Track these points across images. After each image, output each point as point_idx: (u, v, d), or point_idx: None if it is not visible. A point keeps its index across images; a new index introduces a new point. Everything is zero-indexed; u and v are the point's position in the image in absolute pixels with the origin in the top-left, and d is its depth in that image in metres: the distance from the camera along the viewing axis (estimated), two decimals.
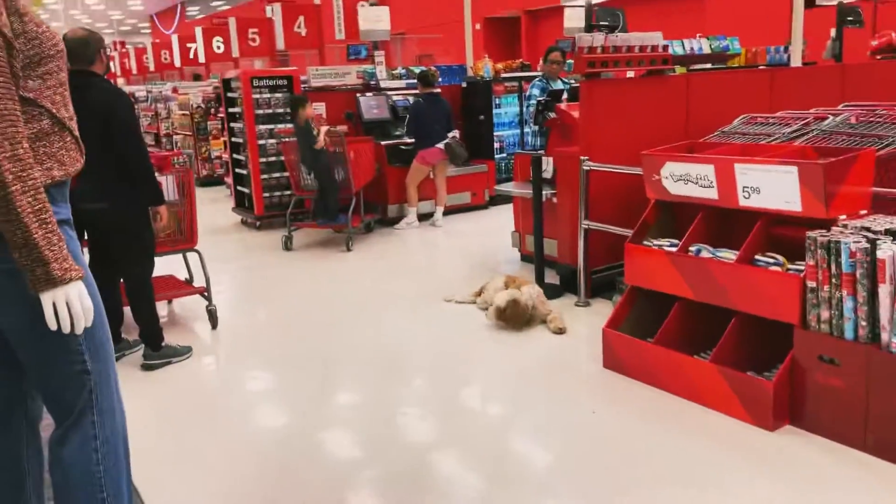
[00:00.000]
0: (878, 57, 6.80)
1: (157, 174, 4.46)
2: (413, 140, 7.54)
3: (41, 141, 1.67)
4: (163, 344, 4.17)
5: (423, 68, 8.07)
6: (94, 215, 3.80)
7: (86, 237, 4.07)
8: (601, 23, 5.25)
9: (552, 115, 5.38)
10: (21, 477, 1.93)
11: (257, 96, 7.79)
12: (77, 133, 1.77)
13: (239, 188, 8.46)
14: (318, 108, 8.08)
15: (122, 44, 28.98)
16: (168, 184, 4.50)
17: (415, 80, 8.18)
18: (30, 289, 1.60)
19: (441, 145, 7.44)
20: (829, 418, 3.01)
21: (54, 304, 1.60)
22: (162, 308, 5.19)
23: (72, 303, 1.62)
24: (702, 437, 3.12)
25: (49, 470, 1.86)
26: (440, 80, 8.76)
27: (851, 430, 2.92)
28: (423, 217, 7.90)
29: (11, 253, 1.57)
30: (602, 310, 4.71)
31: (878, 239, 2.82)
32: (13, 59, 1.58)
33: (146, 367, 4.11)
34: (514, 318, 4.45)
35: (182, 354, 4.24)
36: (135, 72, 21.85)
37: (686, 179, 3.60)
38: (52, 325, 1.62)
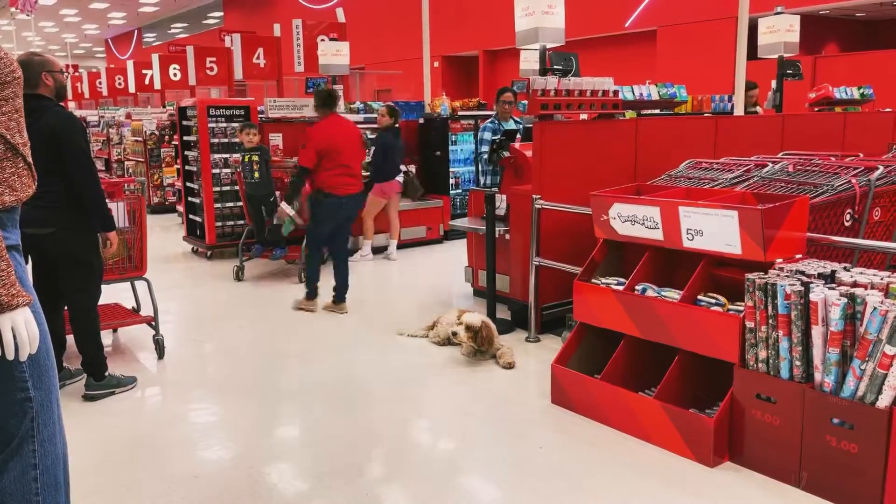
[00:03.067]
0: (816, 109, 7.15)
1: (108, 200, 4.40)
2: (373, 173, 7.59)
3: None
4: (106, 374, 4.08)
5: (387, 104, 8.17)
6: (39, 240, 3.72)
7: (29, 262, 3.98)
8: (555, 66, 5.41)
9: (506, 153, 5.49)
10: None
11: (213, 125, 7.76)
12: (30, 159, 1.77)
13: (191, 217, 8.36)
14: (275, 139, 8.10)
15: (76, 67, 28.51)
16: (119, 211, 4.45)
17: (373, 115, 8.27)
18: None
19: (399, 178, 7.54)
20: (766, 455, 3.10)
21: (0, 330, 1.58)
22: (107, 337, 5.09)
23: (18, 329, 1.60)
24: (645, 472, 3.18)
25: None
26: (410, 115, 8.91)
27: (787, 468, 3.02)
28: (377, 250, 7.93)
29: None
30: (552, 345, 4.79)
31: (811, 282, 2.95)
32: None
33: (88, 398, 4.01)
34: (488, 339, 4.49)
35: (125, 385, 4.14)
36: (87, 96, 21.49)
37: (633, 220, 3.72)
38: None
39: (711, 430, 3.17)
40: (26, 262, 3.83)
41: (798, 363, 2.96)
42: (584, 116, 5.74)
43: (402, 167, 7.68)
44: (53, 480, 1.78)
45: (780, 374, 3.02)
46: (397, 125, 7.67)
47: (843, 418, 2.82)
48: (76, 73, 24.86)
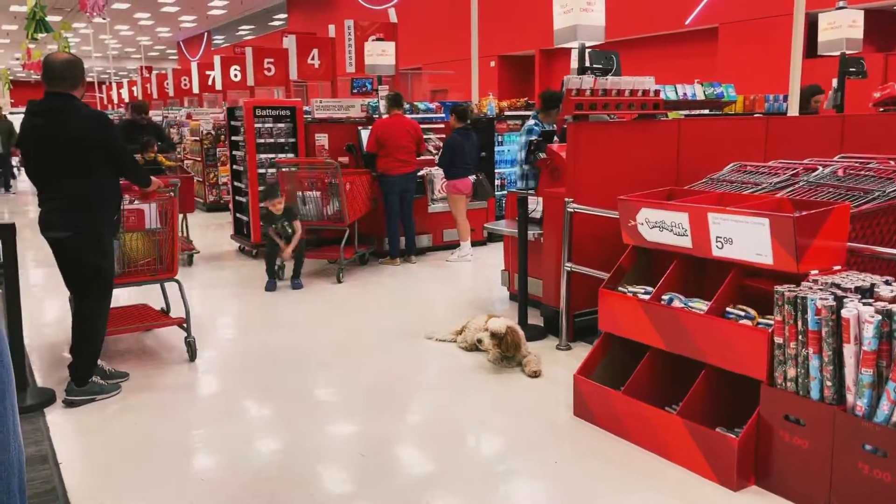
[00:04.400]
0: (881, 109, 6.73)
1: (140, 202, 4.48)
2: (444, 171, 7.62)
3: None
4: (90, 380, 4.03)
5: (456, 104, 8.13)
6: (58, 243, 3.81)
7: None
8: (594, 65, 5.23)
9: (543, 155, 5.35)
10: None
11: (259, 126, 7.85)
12: None
13: (238, 215, 8.49)
14: (321, 140, 8.14)
15: (149, 69, 29.53)
16: (151, 212, 4.50)
17: (422, 115, 8.25)
18: None
19: (471, 178, 7.52)
20: (793, 481, 2.90)
21: None
22: (134, 339, 5.18)
23: None
24: (664, 493, 3.02)
25: None
26: (444, 115, 8.83)
27: (815, 495, 2.81)
28: (421, 252, 7.89)
29: None
30: (583, 354, 4.58)
31: (846, 297, 2.73)
32: None
33: (67, 403, 3.95)
34: (514, 345, 4.38)
35: (108, 392, 4.09)
36: (155, 96, 22.21)
37: (661, 226, 3.54)
38: None
39: (736, 451, 2.98)
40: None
41: (829, 383, 2.74)
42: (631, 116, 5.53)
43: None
44: (6, 488, 1.76)
45: (810, 394, 2.81)
46: (468, 125, 7.61)
47: (876, 445, 2.60)
48: (147, 76, 25.73)
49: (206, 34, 37.16)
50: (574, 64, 9.01)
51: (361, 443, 3.53)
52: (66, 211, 3.77)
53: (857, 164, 4.32)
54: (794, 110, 5.93)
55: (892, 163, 4.51)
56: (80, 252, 3.86)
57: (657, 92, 5.06)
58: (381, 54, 8.35)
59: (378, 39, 8.67)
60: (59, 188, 3.76)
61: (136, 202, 4.52)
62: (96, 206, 3.84)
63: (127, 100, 25.21)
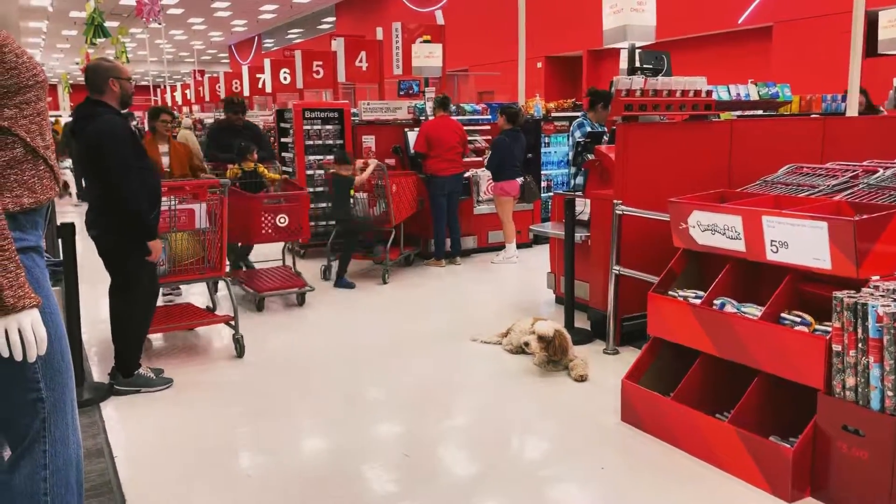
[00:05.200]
0: None
1: (188, 202, 4.55)
2: (492, 173, 7.61)
3: (13, 169, 1.71)
4: (136, 373, 4.17)
5: (505, 106, 8.11)
6: (94, 241, 3.97)
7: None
8: (644, 66, 5.16)
9: (591, 156, 5.29)
10: None
11: (308, 127, 7.95)
12: (53, 162, 1.81)
13: None
14: (367, 142, 8.20)
15: (202, 73, 30.20)
16: (200, 211, 4.59)
17: (467, 117, 8.24)
18: None
19: (519, 181, 7.50)
20: (852, 493, 2.80)
21: (6, 331, 1.62)
22: (182, 336, 5.29)
23: (24, 330, 1.64)
24: (714, 503, 2.95)
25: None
26: (490, 117, 8.81)
27: None
28: (467, 253, 7.88)
29: None
30: (630, 359, 4.53)
31: None
32: None
33: (112, 392, 4.12)
34: (561, 349, 4.34)
35: (155, 386, 4.19)
36: (207, 99, 22.70)
37: (713, 230, 3.47)
38: (4, 352, 1.63)
39: (790, 461, 2.89)
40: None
41: (890, 393, 2.64)
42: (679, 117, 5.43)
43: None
44: (64, 482, 1.81)
45: (870, 404, 2.71)
46: (517, 127, 7.58)
47: None
48: (199, 79, 26.33)
49: (256, 38, 37.83)
50: (623, 64, 8.94)
51: (406, 443, 3.54)
52: (98, 212, 3.93)
53: None
54: (852, 111, 5.74)
55: None
56: (108, 252, 4.00)
57: (709, 92, 4.95)
58: (428, 56, 8.38)
59: (425, 41, 8.69)
60: (91, 189, 3.91)
61: (184, 202, 4.62)
62: (116, 209, 3.90)
63: (180, 102, 25.84)
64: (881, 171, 4.12)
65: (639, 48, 5.29)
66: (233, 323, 4.78)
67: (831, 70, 10.71)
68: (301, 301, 6.14)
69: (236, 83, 20.40)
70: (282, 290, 6.08)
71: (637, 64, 5.20)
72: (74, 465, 1.86)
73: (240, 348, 4.77)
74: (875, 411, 2.70)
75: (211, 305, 5.31)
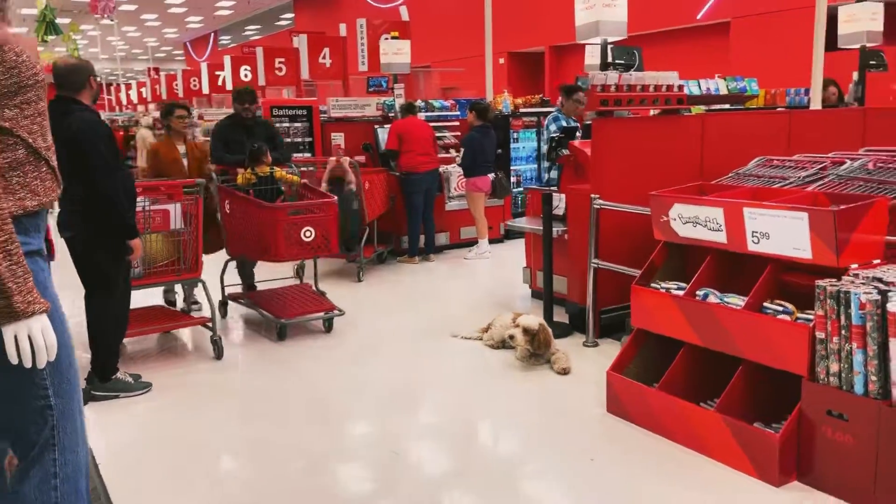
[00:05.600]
0: None
1: (162, 202, 4.46)
2: (464, 169, 7.60)
3: (15, 171, 1.65)
4: (113, 377, 4.07)
5: (475, 102, 8.10)
6: (67, 242, 3.85)
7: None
8: (617, 61, 5.21)
9: (565, 151, 5.33)
10: None
11: (277, 125, 7.84)
12: (55, 163, 1.76)
13: None
14: (336, 139, 8.14)
15: (156, 70, 29.58)
16: (176, 212, 4.51)
17: (435, 114, 8.23)
18: None
19: (491, 177, 7.50)
20: (837, 476, 2.88)
21: (16, 338, 1.58)
22: (158, 339, 5.19)
23: (34, 337, 1.59)
24: (704, 489, 3.01)
25: None
26: (459, 113, 8.82)
27: (860, 489, 2.79)
28: (434, 250, 7.89)
29: None
30: (610, 351, 4.61)
31: (890, 290, 2.71)
32: None
33: (88, 395, 3.98)
34: (545, 343, 4.37)
35: (134, 390, 4.10)
36: (165, 98, 22.27)
37: (695, 222, 3.53)
38: (14, 359, 1.59)
39: (777, 446, 2.97)
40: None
41: (874, 378, 2.72)
42: (653, 112, 5.51)
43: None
44: (74, 489, 1.77)
45: (854, 389, 2.79)
46: (487, 123, 7.58)
47: None
48: (155, 77, 25.81)
49: (212, 34, 37.21)
50: (588, 60, 9.02)
51: (393, 441, 3.53)
52: (72, 212, 3.81)
53: (885, 157, 4.30)
54: (816, 104, 5.90)
55: None
56: (83, 253, 3.88)
57: (681, 87, 5.04)
58: (396, 53, 8.35)
59: (394, 38, 8.65)
60: (66, 188, 3.79)
61: (157, 202, 4.52)
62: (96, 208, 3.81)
63: (136, 100, 25.29)
64: (848, 162, 4.24)
65: (610, 44, 5.34)
66: (210, 325, 4.71)
67: (788, 65, 10.97)
68: (328, 327, 5.25)
69: (195, 81, 20.03)
70: (307, 315, 5.22)
71: (609, 59, 5.24)
72: (83, 472, 1.82)
73: (218, 350, 4.70)
74: (859, 396, 2.78)
75: (186, 308, 5.22)
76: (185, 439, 3.59)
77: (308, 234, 4.90)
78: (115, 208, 3.75)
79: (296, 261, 5.73)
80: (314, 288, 5.65)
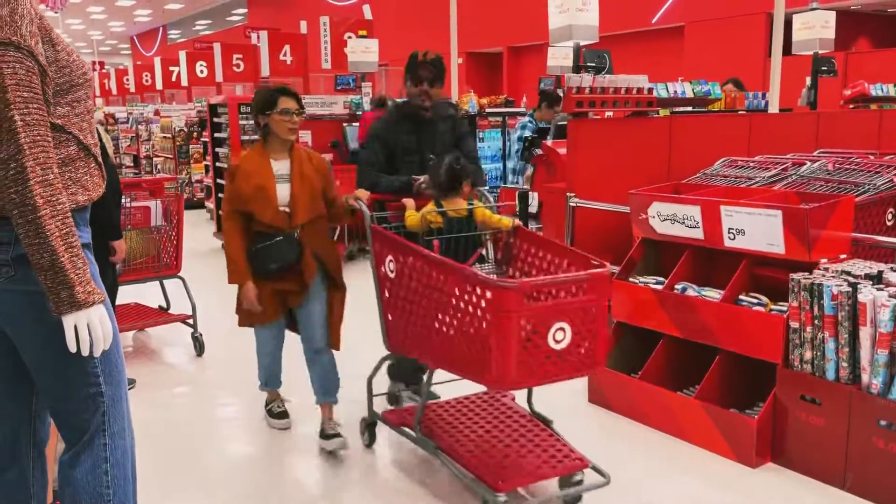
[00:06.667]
0: (851, 106, 7.06)
1: (143, 199, 4.45)
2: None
3: (68, 166, 1.70)
4: None
5: (446, 100, 8.17)
6: None
7: None
8: (588, 64, 5.39)
9: (538, 151, 5.48)
10: (27, 500, 1.92)
11: (244, 122, 7.82)
12: (100, 160, 1.80)
13: (221, 213, 8.43)
14: (304, 136, 8.14)
15: (102, 64, 28.83)
16: (157, 209, 4.50)
17: None
18: (52, 311, 1.62)
19: None
20: (810, 457, 3.08)
21: (76, 327, 1.62)
22: (138, 336, 5.16)
23: (93, 326, 1.64)
24: (686, 472, 3.17)
25: (59, 491, 1.85)
26: None
27: (832, 469, 3.00)
28: None
29: (37, 275, 1.59)
30: None
31: (859, 283, 2.92)
32: (46, 87, 1.62)
33: None
34: None
35: None
36: (115, 92, 21.74)
37: (673, 219, 3.70)
38: (73, 348, 1.63)
39: (754, 430, 3.15)
40: None
41: (845, 364, 2.93)
42: (609, 114, 5.69)
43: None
44: (123, 473, 1.82)
45: (826, 375, 3.00)
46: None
47: (890, 420, 2.79)
48: (103, 71, 25.18)
49: (161, 28, 36.44)
50: (551, 62, 9.21)
51: (378, 432, 3.60)
52: None
53: (840, 159, 4.56)
54: (774, 107, 6.19)
55: (872, 157, 4.77)
56: None
57: (650, 90, 5.24)
58: (364, 52, 8.39)
59: (362, 36, 8.69)
60: None
61: (133, 199, 4.50)
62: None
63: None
64: (808, 163, 4.50)
65: (582, 47, 5.51)
66: (191, 321, 4.71)
67: (740, 69, 11.39)
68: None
69: (147, 76, 19.66)
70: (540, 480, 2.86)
71: (581, 62, 5.41)
72: (131, 457, 1.87)
73: (199, 346, 4.70)
74: (831, 381, 2.98)
75: (165, 304, 5.18)
76: (169, 436, 3.60)
77: (560, 336, 2.53)
78: (107, 210, 3.62)
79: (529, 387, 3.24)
80: (529, 409, 3.32)
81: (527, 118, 6.47)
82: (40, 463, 1.95)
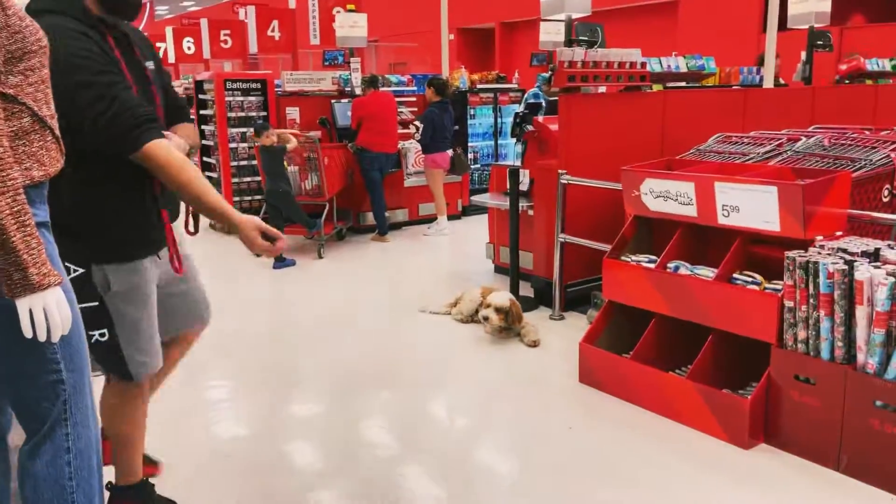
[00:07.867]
0: (847, 81, 6.96)
1: None
2: (423, 146, 7.55)
3: (21, 140, 1.59)
4: None
5: (434, 77, 8.02)
6: None
7: None
8: (580, 38, 5.27)
9: (530, 127, 5.38)
10: None
11: (230, 99, 7.67)
12: (58, 132, 1.70)
13: None
14: (292, 113, 8.00)
15: None
16: None
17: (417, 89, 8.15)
18: (5, 294, 1.53)
19: (449, 153, 7.48)
20: (803, 437, 3.03)
21: (31, 311, 1.53)
22: None
23: (49, 310, 1.55)
24: (678, 453, 3.12)
25: (18, 483, 1.77)
26: (415, 88, 8.77)
27: (825, 450, 2.95)
28: (394, 227, 7.88)
29: None
30: (576, 323, 4.72)
31: (856, 261, 2.85)
32: None
33: None
34: (518, 317, 4.43)
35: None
36: None
37: (665, 196, 3.62)
38: (28, 333, 1.54)
39: (747, 411, 3.10)
40: None
41: (840, 344, 2.87)
42: (601, 89, 5.58)
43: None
44: (87, 464, 1.74)
45: (821, 354, 2.93)
46: (446, 98, 7.54)
47: (886, 401, 2.74)
48: None
49: (148, 4, 35.85)
50: (543, 37, 9.06)
51: (381, 414, 3.54)
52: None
53: (836, 134, 4.48)
54: (769, 82, 6.09)
55: (867, 132, 4.69)
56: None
57: (643, 64, 5.13)
58: (352, 26, 8.23)
59: (350, 10, 8.52)
60: None
61: None
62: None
63: None
64: (803, 139, 4.41)
65: (574, 20, 5.39)
66: None
67: (733, 44, 11.26)
68: None
69: None
70: None
71: (573, 36, 5.29)
72: (95, 448, 1.78)
73: None
74: (825, 361, 2.92)
75: None
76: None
77: None
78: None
79: None
80: None
81: (536, 87, 6.35)
82: (3, 453, 1.86)
